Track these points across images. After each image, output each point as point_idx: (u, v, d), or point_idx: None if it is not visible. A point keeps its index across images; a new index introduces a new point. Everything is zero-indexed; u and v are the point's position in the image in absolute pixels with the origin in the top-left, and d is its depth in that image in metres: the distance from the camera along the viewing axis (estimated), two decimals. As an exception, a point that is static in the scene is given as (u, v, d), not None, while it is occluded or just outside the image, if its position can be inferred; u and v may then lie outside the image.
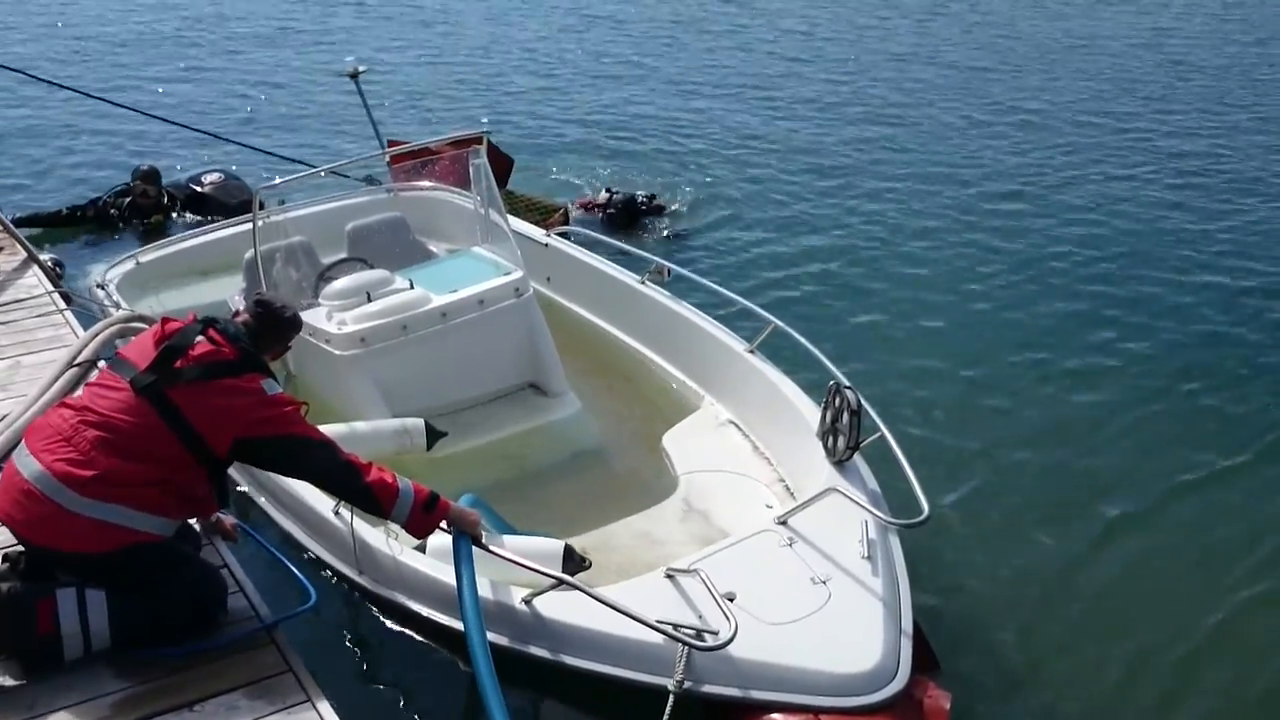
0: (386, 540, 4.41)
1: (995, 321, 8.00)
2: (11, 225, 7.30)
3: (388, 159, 8.02)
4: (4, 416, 5.02)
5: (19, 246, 7.03)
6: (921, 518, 4.22)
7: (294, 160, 9.87)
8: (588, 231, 7.90)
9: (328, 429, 4.96)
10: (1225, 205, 10.40)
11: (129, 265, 7.01)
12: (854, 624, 3.96)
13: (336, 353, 5.63)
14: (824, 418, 4.90)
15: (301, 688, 3.65)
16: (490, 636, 3.77)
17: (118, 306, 6.25)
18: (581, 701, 4.24)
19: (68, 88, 10.45)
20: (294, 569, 4.46)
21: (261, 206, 5.99)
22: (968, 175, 11.04)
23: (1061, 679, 4.73)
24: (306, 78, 14.14)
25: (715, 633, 3.74)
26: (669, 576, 4.11)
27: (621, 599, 3.80)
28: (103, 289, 6.61)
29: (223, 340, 3.77)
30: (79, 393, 3.99)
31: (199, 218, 8.95)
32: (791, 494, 5.03)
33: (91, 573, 3.66)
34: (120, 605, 3.67)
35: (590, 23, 17.78)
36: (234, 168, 9.80)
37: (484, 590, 3.97)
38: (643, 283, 6.45)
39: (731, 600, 3.91)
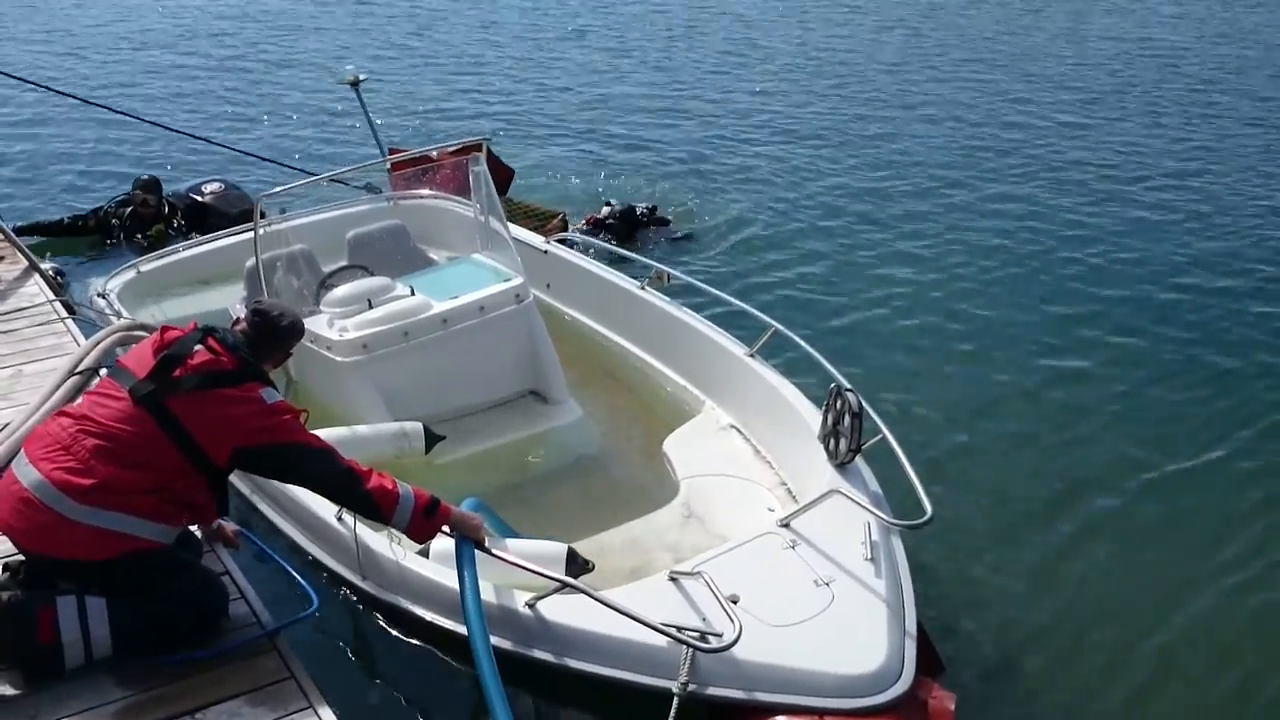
0: (389, 545, 4.41)
1: (997, 323, 8.01)
2: (13, 234, 7.30)
3: (388, 167, 8.03)
4: (5, 425, 5.03)
5: (20, 255, 7.04)
6: (924, 519, 4.21)
7: (295, 168, 9.89)
8: (586, 238, 7.92)
9: (326, 432, 5.00)
10: (1219, 208, 10.44)
11: (130, 274, 7.01)
12: (858, 626, 3.95)
13: (338, 359, 5.63)
14: (825, 420, 4.89)
15: (303, 694, 3.65)
16: (494, 640, 3.77)
17: (119, 315, 6.25)
18: (586, 704, 4.23)
19: (70, 95, 10.46)
20: (296, 575, 4.46)
21: (262, 215, 5.99)
22: (966, 180, 11.06)
23: (1067, 679, 4.72)
24: (307, 86, 14.19)
25: (719, 635, 3.72)
26: (672, 579, 4.10)
27: (625, 602, 3.80)
28: (104, 298, 6.61)
29: (221, 349, 3.77)
30: (79, 401, 3.98)
31: (199, 227, 8.95)
32: (794, 497, 5.02)
33: (92, 581, 3.66)
34: (121, 613, 3.67)
35: (589, 33, 17.82)
36: (234, 177, 9.82)
37: (487, 594, 3.97)
38: (643, 288, 6.45)
39: (735, 602, 3.89)
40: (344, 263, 6.39)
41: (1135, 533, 5.68)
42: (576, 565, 4.40)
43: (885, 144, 12.23)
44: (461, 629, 3.80)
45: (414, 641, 4.50)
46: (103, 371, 4.82)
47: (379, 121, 9.32)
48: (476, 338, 5.84)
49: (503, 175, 9.22)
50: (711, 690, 3.69)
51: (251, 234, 6.03)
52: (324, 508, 4.59)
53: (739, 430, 5.63)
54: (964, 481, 5.99)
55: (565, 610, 3.93)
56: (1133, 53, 16.83)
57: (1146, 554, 5.52)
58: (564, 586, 3.89)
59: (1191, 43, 17.61)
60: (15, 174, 10.94)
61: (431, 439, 5.39)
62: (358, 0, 19.81)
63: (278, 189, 6.29)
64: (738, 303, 6.04)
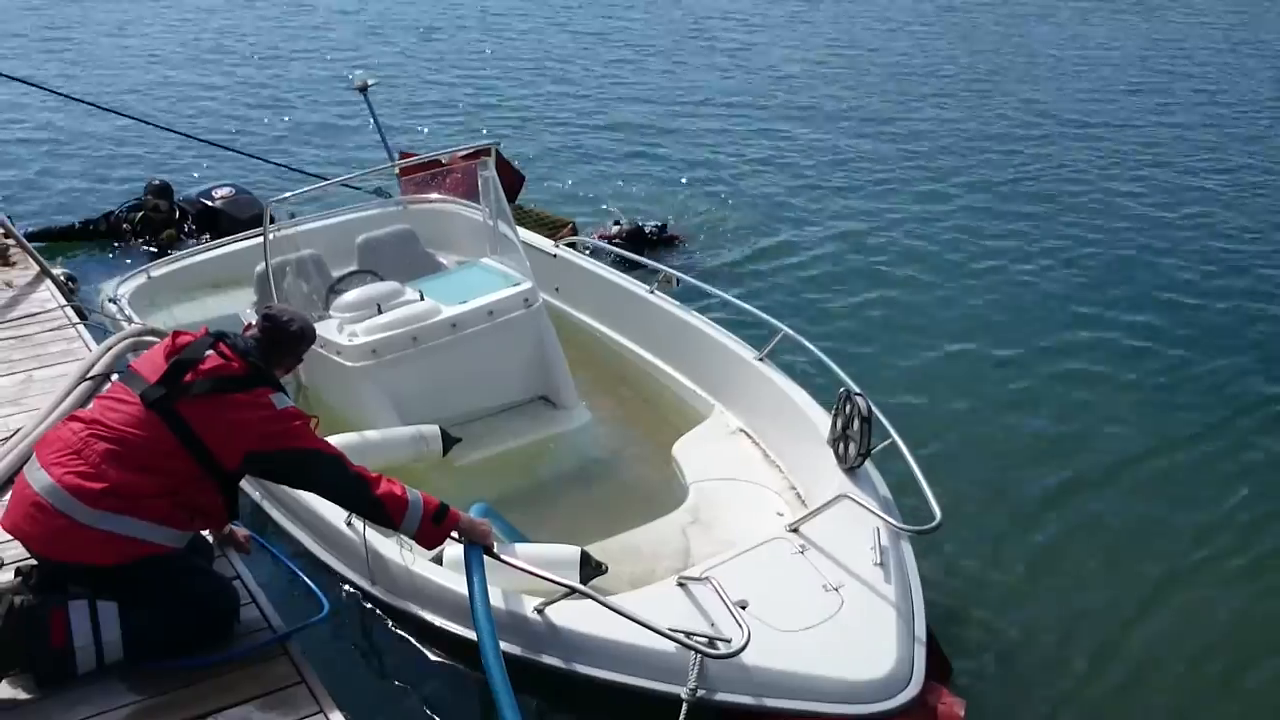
0: (400, 551, 4.42)
1: (1007, 327, 7.99)
2: (24, 240, 7.33)
3: (397, 171, 8.05)
4: (18, 430, 5.07)
5: (32, 261, 7.06)
6: (933, 524, 4.20)
7: (305, 173, 9.92)
8: (596, 242, 7.92)
9: (344, 438, 5.06)
10: (1228, 210, 10.42)
11: (141, 279, 7.04)
12: (867, 631, 3.95)
13: (348, 364, 5.64)
14: (835, 425, 4.89)
15: (314, 699, 3.66)
16: (503, 645, 3.77)
17: (130, 320, 6.27)
18: (595, 710, 4.22)
19: (81, 100, 10.50)
20: (307, 580, 4.47)
21: (272, 220, 6.01)
22: (976, 185, 11.05)
23: (1077, 684, 4.70)
24: (317, 92, 14.22)
25: (728, 641, 3.73)
26: (681, 585, 4.10)
27: (634, 607, 3.79)
28: (115, 303, 6.63)
29: (232, 354, 3.77)
30: (90, 406, 4.00)
31: (211, 232, 8.98)
32: (803, 501, 5.02)
33: (104, 585, 3.66)
34: (133, 617, 3.68)
35: (599, 40, 17.84)
36: (245, 182, 9.85)
37: (496, 600, 3.97)
38: (652, 292, 6.46)
39: (744, 608, 3.89)
40: (353, 268, 6.41)
41: (1149, 539, 5.65)
42: (590, 568, 4.42)
43: (895, 147, 12.23)
44: (471, 634, 3.80)
45: (424, 647, 4.51)
46: (114, 376, 4.85)
47: (388, 125, 9.34)
48: (485, 342, 5.85)
49: (514, 181, 9.23)
50: (720, 696, 3.69)
51: (262, 239, 6.05)
52: (334, 513, 4.60)
53: (748, 434, 5.63)
54: (973, 487, 5.97)
55: (574, 615, 3.94)
56: (1142, 53, 16.80)
57: (1160, 560, 5.50)
58: (573, 592, 3.89)
59: (1204, 41, 17.58)
60: (27, 179, 10.99)
61: (448, 441, 5.43)
62: (367, 6, 19.89)
63: (288, 194, 6.31)
64: (747, 306, 6.04)
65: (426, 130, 12.58)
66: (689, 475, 5.33)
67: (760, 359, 5.69)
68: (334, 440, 4.92)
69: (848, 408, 4.79)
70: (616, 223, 9.16)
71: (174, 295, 7.09)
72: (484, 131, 12.41)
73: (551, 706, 4.27)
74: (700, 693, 3.65)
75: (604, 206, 10.17)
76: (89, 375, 5.36)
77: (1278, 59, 16.90)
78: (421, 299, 5.88)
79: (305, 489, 4.18)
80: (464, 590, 3.88)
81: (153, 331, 5.73)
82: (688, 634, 3.72)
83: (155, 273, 7.15)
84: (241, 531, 4.46)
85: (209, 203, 9.23)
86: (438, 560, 4.42)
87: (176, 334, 3.91)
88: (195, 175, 10.62)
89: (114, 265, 8.34)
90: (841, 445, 4.83)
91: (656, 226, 9.10)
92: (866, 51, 16.85)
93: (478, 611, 3.75)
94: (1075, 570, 5.41)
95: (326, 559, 4.76)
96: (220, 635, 3.86)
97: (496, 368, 5.93)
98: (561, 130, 12.87)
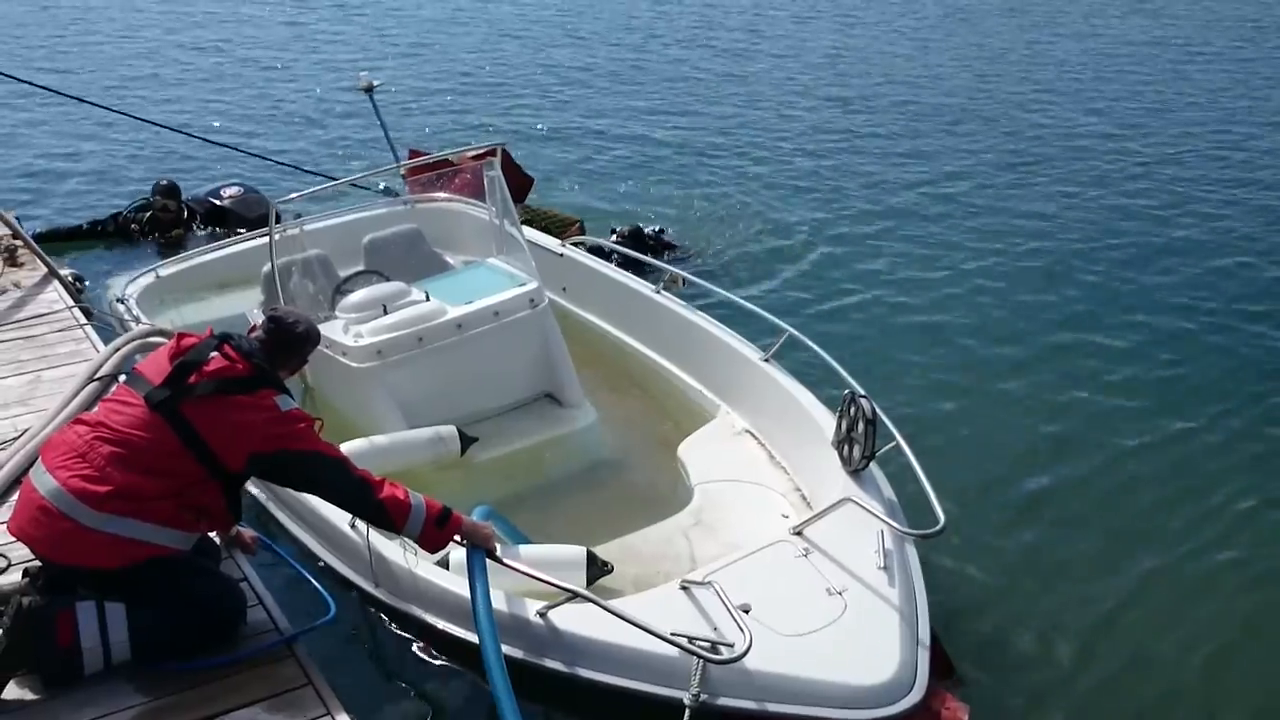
0: (403, 554, 4.42)
1: (1011, 330, 7.98)
2: (32, 240, 7.36)
3: (404, 172, 8.06)
4: (25, 431, 5.10)
5: (39, 262, 7.09)
6: (938, 528, 4.20)
7: (312, 173, 9.94)
8: (603, 242, 7.92)
9: (362, 441, 5.08)
10: (1236, 212, 10.39)
11: (149, 279, 7.06)
12: (870, 635, 3.94)
13: (353, 365, 5.65)
14: (839, 427, 4.89)
15: (321, 701, 3.67)
16: (506, 649, 3.78)
17: (137, 320, 6.29)
18: (596, 714, 4.21)
19: (89, 101, 10.54)
20: (313, 581, 4.49)
21: (279, 219, 6.01)
22: (983, 187, 11.02)
23: (1082, 690, 4.69)
24: (323, 92, 14.24)
25: (730, 645, 3.72)
26: (684, 588, 4.10)
27: (636, 611, 3.80)
28: (122, 303, 6.65)
29: (236, 356, 3.79)
30: (95, 408, 4.01)
31: (218, 231, 9.01)
32: (807, 503, 5.02)
33: (110, 588, 3.68)
34: (140, 619, 3.70)
35: (604, 42, 17.82)
36: (252, 181, 9.87)
37: (499, 603, 3.98)
38: (658, 292, 6.46)
39: (747, 612, 3.89)
40: (360, 268, 6.42)
41: (1157, 543, 5.63)
42: (596, 567, 4.45)
43: (901, 151, 12.20)
44: (474, 638, 3.81)
45: (428, 650, 4.52)
46: (121, 378, 4.87)
47: (393, 126, 9.34)
48: (491, 342, 5.85)
49: (522, 183, 9.23)
50: (723, 701, 3.69)
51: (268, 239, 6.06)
52: (338, 515, 4.61)
53: (754, 435, 5.62)
54: (978, 490, 5.96)
55: (576, 620, 3.94)
56: (1145, 55, 16.75)
57: (1169, 564, 5.48)
58: (575, 596, 3.90)
59: (1218, 41, 17.51)
60: (34, 180, 11.01)
61: (466, 441, 5.45)
62: (373, 6, 19.90)
63: (294, 194, 6.32)
64: (753, 307, 6.04)
65: (431, 130, 12.59)
66: (694, 476, 5.33)
67: (766, 360, 5.69)
68: (351, 445, 5.00)
69: (852, 410, 4.78)
70: (614, 230, 9.14)
71: (182, 295, 7.11)
72: (490, 131, 12.41)
73: (553, 710, 4.28)
74: (703, 697, 3.65)
75: (607, 207, 10.17)
76: (96, 376, 5.38)
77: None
78: (427, 299, 5.88)
79: (308, 491, 4.19)
80: (466, 594, 3.89)
81: (160, 332, 5.75)
82: (690, 638, 3.72)
83: (163, 272, 7.18)
84: (248, 533, 4.49)
85: (217, 202, 9.27)
86: (443, 563, 4.43)
87: (181, 335, 3.92)
88: (203, 175, 10.64)
89: (122, 265, 8.34)
90: (846, 448, 4.83)
91: (655, 231, 9.07)
92: (872, 56, 16.80)
93: (480, 615, 3.76)
94: (1081, 575, 5.39)
95: (331, 562, 4.77)
96: (227, 637, 3.88)
97: (502, 368, 5.93)
98: (566, 132, 12.86)
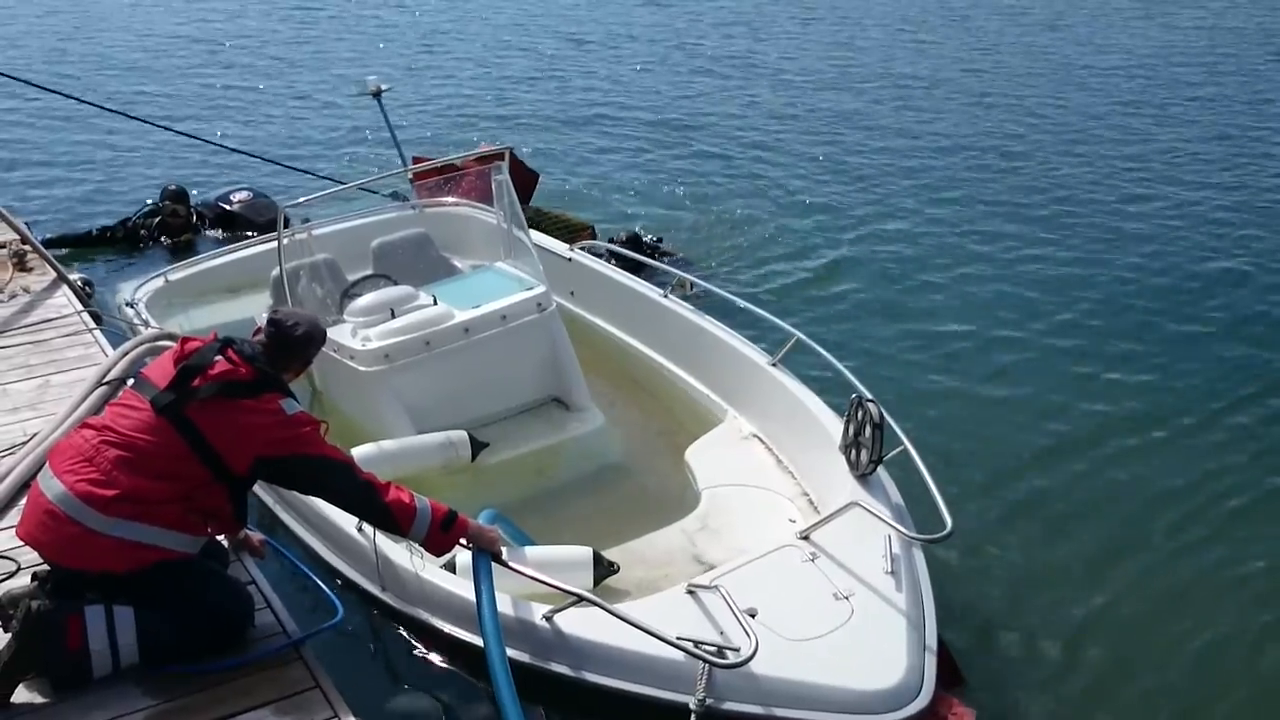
0: (410, 557, 4.43)
1: (1021, 332, 7.96)
2: (41, 246, 7.38)
3: (411, 176, 8.08)
4: (34, 435, 5.11)
5: (49, 267, 7.11)
6: (945, 532, 4.18)
7: (320, 177, 9.96)
8: (611, 246, 7.92)
9: (373, 446, 5.09)
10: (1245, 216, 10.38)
11: (158, 283, 7.09)
12: (877, 640, 3.93)
13: (361, 369, 5.67)
14: (847, 431, 4.89)
15: (328, 703, 3.68)
16: (511, 653, 3.78)
17: (147, 325, 6.32)
18: (601, 718, 4.22)
19: (97, 105, 10.58)
20: (321, 584, 4.50)
21: (287, 224, 6.03)
22: (991, 192, 11.00)
23: (1089, 696, 4.68)
24: (330, 97, 14.28)
25: (736, 649, 3.71)
26: (690, 592, 4.10)
27: (642, 615, 3.80)
28: (132, 307, 6.68)
29: (239, 360, 3.79)
30: (102, 413, 4.03)
31: (228, 236, 9.04)
32: (815, 508, 5.01)
33: (118, 592, 3.69)
34: (148, 622, 3.70)
35: (612, 44, 17.85)
36: (261, 186, 9.90)
37: (505, 606, 3.98)
38: (666, 296, 6.46)
39: (753, 616, 3.89)
40: (368, 272, 6.43)
41: (1163, 547, 5.62)
42: (602, 567, 4.48)
43: (907, 154, 12.19)
44: (480, 641, 3.81)
45: (435, 653, 4.52)
46: (129, 382, 4.88)
47: (400, 130, 9.37)
48: (499, 346, 5.86)
49: (527, 180, 9.24)
50: (729, 705, 3.68)
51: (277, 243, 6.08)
52: (344, 519, 4.62)
53: (761, 440, 5.62)
54: (986, 494, 5.95)
55: (582, 623, 3.94)
56: (1150, 56, 16.74)
57: (1175, 568, 5.46)
58: (580, 600, 3.90)
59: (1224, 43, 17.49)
60: (43, 185, 11.05)
61: (477, 446, 5.47)
62: (380, 11, 19.96)
63: (302, 199, 6.34)
64: (760, 311, 6.03)
65: (440, 134, 12.62)
66: (701, 481, 5.34)
67: (773, 364, 5.68)
68: (362, 449, 5.01)
69: (860, 414, 4.78)
70: (611, 239, 9.13)
71: (191, 299, 7.14)
72: (498, 133, 12.44)
73: (558, 714, 4.26)
74: (709, 702, 3.64)
75: (615, 212, 10.18)
76: (104, 380, 5.40)
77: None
78: (435, 303, 5.90)
79: (314, 494, 4.19)
80: (473, 597, 3.89)
81: (168, 336, 5.77)
82: (696, 643, 3.71)
83: (172, 277, 7.21)
84: (256, 536, 4.50)
85: (226, 207, 9.30)
86: (450, 567, 4.43)
87: (185, 340, 3.93)
88: (212, 180, 10.68)
89: (131, 271, 8.37)
90: (853, 452, 4.82)
91: (654, 240, 9.05)
92: (877, 60, 16.76)
93: (485, 618, 3.77)
94: (1090, 580, 5.37)
95: (338, 565, 4.78)
96: (235, 640, 3.89)
97: (510, 372, 5.94)
98: (572, 136, 12.87)
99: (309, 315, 4.21)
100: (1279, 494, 6.07)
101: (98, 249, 8.97)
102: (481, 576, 3.89)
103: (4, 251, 7.27)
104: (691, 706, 3.63)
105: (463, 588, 4.12)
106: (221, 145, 10.73)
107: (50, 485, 3.68)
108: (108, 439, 3.68)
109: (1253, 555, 5.53)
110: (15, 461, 4.84)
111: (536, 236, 6.72)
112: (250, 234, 8.49)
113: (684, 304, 6.41)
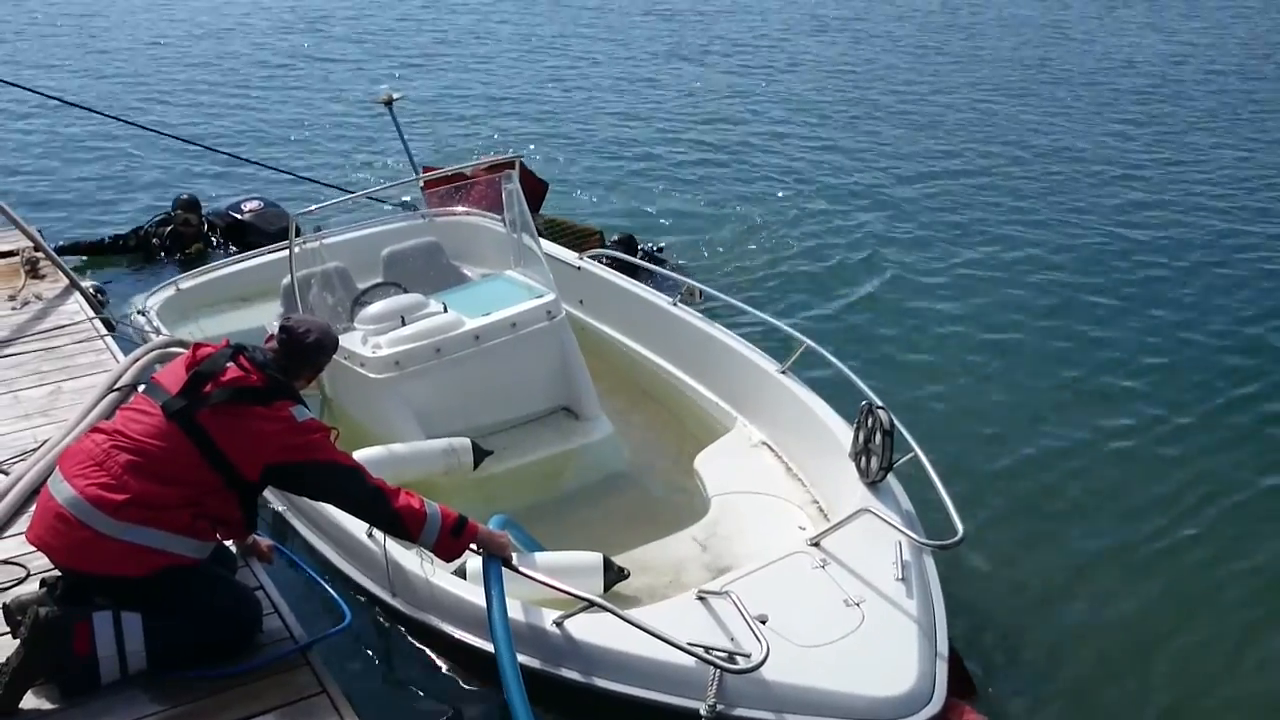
0: (420, 563, 4.43)
1: (1029, 341, 7.94)
2: (54, 254, 7.43)
3: (421, 185, 8.09)
4: (45, 441, 5.13)
5: (62, 274, 7.15)
6: (956, 539, 4.17)
7: (331, 186, 9.99)
8: (621, 255, 7.93)
9: (374, 450, 5.09)
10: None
11: (169, 292, 7.11)
12: (888, 647, 3.91)
13: (371, 376, 5.67)
14: (856, 438, 4.87)
15: (335, 709, 3.68)
16: (521, 658, 3.77)
17: (158, 332, 6.34)
18: (612, 724, 4.22)
19: (109, 115, 10.62)
20: (329, 590, 4.50)
21: (298, 233, 6.06)
22: (999, 199, 10.99)
23: (1101, 703, 4.65)
24: (342, 106, 14.34)
25: (747, 655, 3.70)
26: (701, 599, 4.09)
27: (653, 621, 3.79)
28: (143, 315, 6.70)
29: (251, 367, 3.80)
30: (114, 417, 4.04)
31: (239, 245, 9.07)
32: (825, 515, 5.00)
33: (127, 596, 3.70)
34: (156, 627, 3.71)
35: (620, 52, 17.90)
36: (273, 195, 9.93)
37: (515, 612, 3.97)
38: (674, 305, 6.45)
39: (764, 622, 3.88)
40: (378, 280, 6.45)
41: (1175, 554, 5.58)
42: (613, 572, 4.47)
43: (918, 161, 12.19)
44: (490, 647, 3.80)
45: (444, 659, 4.52)
46: (140, 388, 4.90)
47: (412, 140, 9.41)
48: (508, 354, 5.87)
49: (537, 188, 9.25)
50: (739, 711, 3.66)
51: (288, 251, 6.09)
52: (355, 524, 4.62)
53: (770, 447, 5.61)
54: (997, 501, 5.93)
55: (593, 629, 3.93)
56: (1152, 57, 16.74)
57: (1189, 576, 5.42)
58: (591, 605, 3.89)
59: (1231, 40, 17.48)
60: (56, 194, 11.11)
61: (479, 454, 5.46)
62: (390, 20, 20.06)
63: (313, 207, 6.36)
64: (769, 319, 6.03)
65: (451, 143, 12.65)
66: (710, 488, 5.32)
67: (782, 372, 5.67)
68: (366, 453, 5.01)
69: (869, 421, 4.76)
70: (610, 243, 9.14)
71: (202, 308, 7.16)
72: (508, 146, 12.47)
73: (570, 720, 4.28)
74: (719, 708, 3.62)
75: (622, 221, 10.18)
76: (115, 386, 5.42)
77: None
78: (445, 311, 5.91)
79: (324, 501, 4.20)
80: (482, 603, 3.89)
81: (179, 343, 5.79)
82: (707, 648, 3.69)
83: (184, 285, 7.23)
84: (265, 541, 4.51)
85: (238, 216, 9.32)
86: (460, 573, 4.42)
87: (197, 346, 3.94)
88: (224, 190, 10.72)
89: (143, 279, 8.41)
90: (863, 459, 4.80)
91: (655, 248, 9.04)
92: (883, 70, 16.77)
93: (495, 624, 3.76)
94: (1101, 586, 5.35)
95: (347, 570, 4.78)
96: (243, 645, 3.89)
97: (519, 380, 5.94)
98: (581, 145, 12.89)
99: (321, 323, 4.23)
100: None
101: (110, 257, 9.00)
102: (492, 581, 3.89)
103: (17, 258, 7.33)
104: (702, 712, 3.61)
105: (473, 593, 4.11)
106: (234, 155, 10.77)
107: (61, 489, 3.69)
108: (119, 443, 3.69)
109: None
110: (26, 467, 4.86)
111: (545, 246, 6.73)
112: (261, 243, 8.51)
113: (693, 312, 6.40)
